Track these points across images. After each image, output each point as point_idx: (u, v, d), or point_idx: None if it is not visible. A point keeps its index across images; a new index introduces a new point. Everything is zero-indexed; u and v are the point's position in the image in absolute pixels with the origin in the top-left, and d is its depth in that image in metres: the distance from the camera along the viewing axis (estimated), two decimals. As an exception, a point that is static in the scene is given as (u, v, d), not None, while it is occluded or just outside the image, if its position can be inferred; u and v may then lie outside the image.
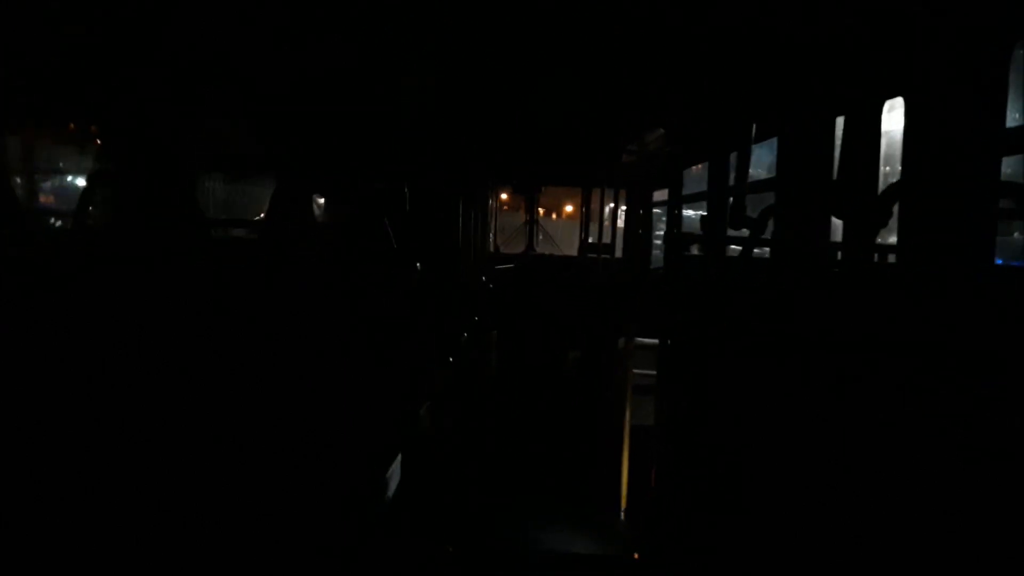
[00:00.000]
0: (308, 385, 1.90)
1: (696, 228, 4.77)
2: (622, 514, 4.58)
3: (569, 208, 18.73)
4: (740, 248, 2.83)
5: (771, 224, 3.35)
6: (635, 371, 4.59)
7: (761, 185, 4.31)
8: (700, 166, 5.61)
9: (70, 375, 1.33)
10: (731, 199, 4.29)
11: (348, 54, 2.71)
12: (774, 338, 2.16)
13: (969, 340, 1.46)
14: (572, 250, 11.46)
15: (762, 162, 4.71)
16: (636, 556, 3.94)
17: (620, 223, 8.87)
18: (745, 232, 3.20)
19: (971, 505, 1.37)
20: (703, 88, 4.29)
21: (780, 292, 2.26)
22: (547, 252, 11.28)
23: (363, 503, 2.27)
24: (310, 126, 2.28)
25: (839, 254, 3.32)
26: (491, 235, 10.54)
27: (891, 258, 3.01)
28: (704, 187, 5.05)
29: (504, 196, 13.45)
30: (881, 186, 2.88)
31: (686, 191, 5.39)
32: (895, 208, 2.10)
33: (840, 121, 3.24)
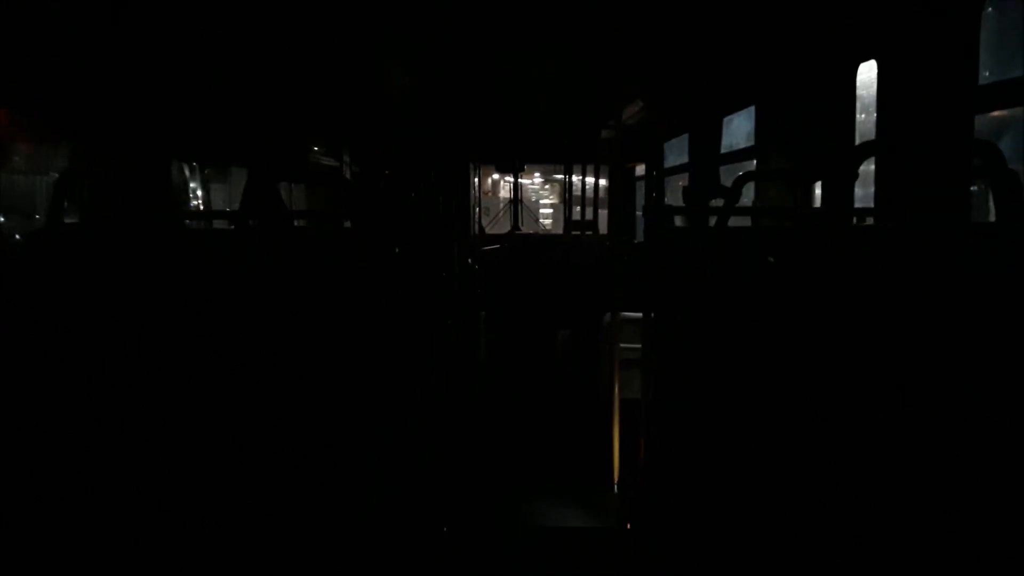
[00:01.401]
0: (299, 381, 1.89)
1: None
2: (615, 487, 4.61)
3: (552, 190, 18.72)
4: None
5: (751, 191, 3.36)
6: (622, 345, 4.60)
7: (740, 154, 4.32)
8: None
9: (51, 377, 1.31)
10: (706, 169, 4.29)
11: (326, 40, 2.69)
12: (756, 309, 2.17)
13: (946, 296, 1.46)
14: (557, 229, 11.47)
15: (741, 131, 4.71)
16: (628, 527, 3.98)
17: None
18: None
19: (962, 492, 1.38)
20: (681, 59, 4.28)
21: (760, 260, 2.27)
22: (532, 231, 11.28)
23: (360, 498, 2.27)
24: (283, 112, 2.26)
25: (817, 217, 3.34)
26: (475, 216, 10.52)
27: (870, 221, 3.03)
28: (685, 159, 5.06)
29: (488, 178, 13.41)
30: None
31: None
32: (867, 166, 2.10)
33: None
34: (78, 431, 1.35)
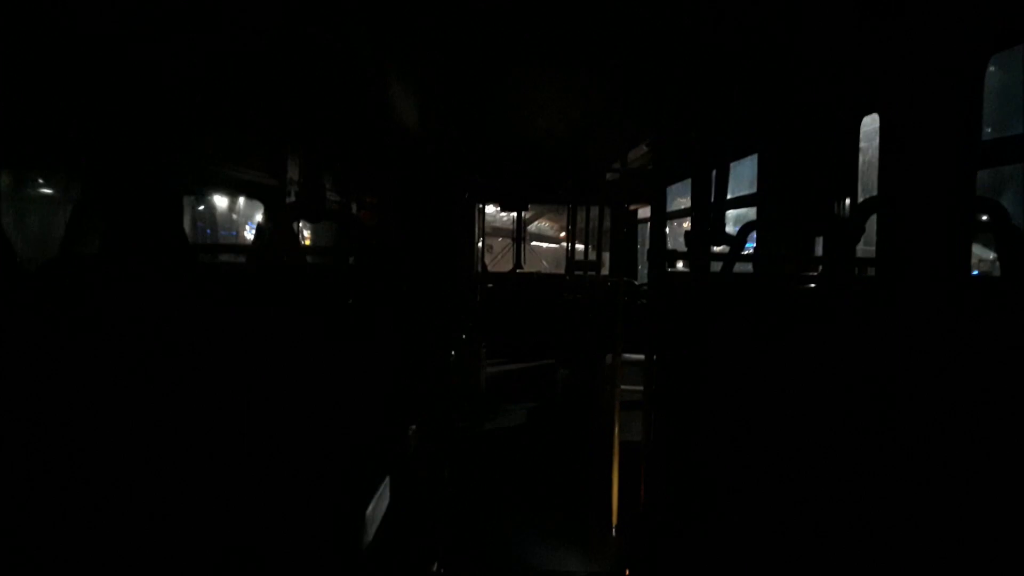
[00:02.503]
0: (303, 418, 1.90)
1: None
2: (613, 530, 4.58)
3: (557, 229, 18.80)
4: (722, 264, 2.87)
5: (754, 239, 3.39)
6: (623, 387, 4.61)
7: (743, 200, 4.36)
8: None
9: (59, 401, 1.33)
10: (711, 215, 4.33)
11: (336, 71, 2.73)
12: (759, 353, 2.19)
13: (947, 351, 1.49)
14: (559, 268, 11.52)
15: (744, 178, 4.76)
16: (628, 572, 3.94)
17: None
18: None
19: (956, 511, 1.39)
20: (688, 105, 4.35)
21: (763, 307, 2.29)
22: (535, 270, 11.33)
23: (350, 527, 2.27)
24: (299, 146, 2.30)
25: (820, 268, 3.37)
26: (478, 253, 10.58)
27: (870, 272, 3.06)
28: (688, 203, 5.10)
29: (492, 220, 13.48)
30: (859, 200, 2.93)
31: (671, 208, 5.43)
32: (871, 221, 2.14)
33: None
34: (82, 454, 1.37)
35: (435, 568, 4.02)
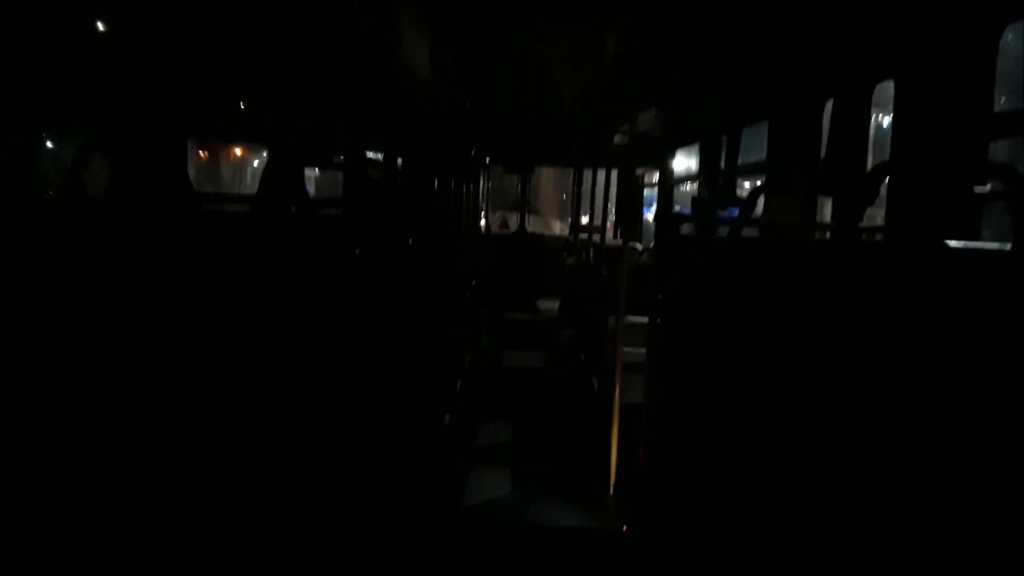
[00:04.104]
0: (304, 374, 1.90)
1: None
2: (611, 489, 4.63)
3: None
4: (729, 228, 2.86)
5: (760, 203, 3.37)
6: (625, 349, 4.62)
7: (752, 167, 4.33)
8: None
9: (60, 360, 1.31)
10: (721, 180, 4.31)
11: (342, 20, 2.69)
12: (763, 319, 2.19)
13: (953, 320, 1.48)
14: (564, 231, 11.49)
15: (751, 147, 4.72)
16: (624, 529, 3.99)
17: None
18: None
19: (959, 498, 1.39)
20: (699, 69, 4.30)
21: (770, 271, 2.28)
22: (539, 232, 11.30)
23: (357, 494, 2.29)
24: (302, 95, 2.26)
25: (827, 233, 3.36)
26: (483, 215, 10.55)
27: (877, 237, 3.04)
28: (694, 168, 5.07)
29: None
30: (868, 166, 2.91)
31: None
32: (882, 187, 2.12)
33: (829, 103, 3.26)
34: (83, 415, 1.36)
35: (432, 519, 4.07)
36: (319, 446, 2.00)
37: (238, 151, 15.54)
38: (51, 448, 1.27)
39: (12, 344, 1.23)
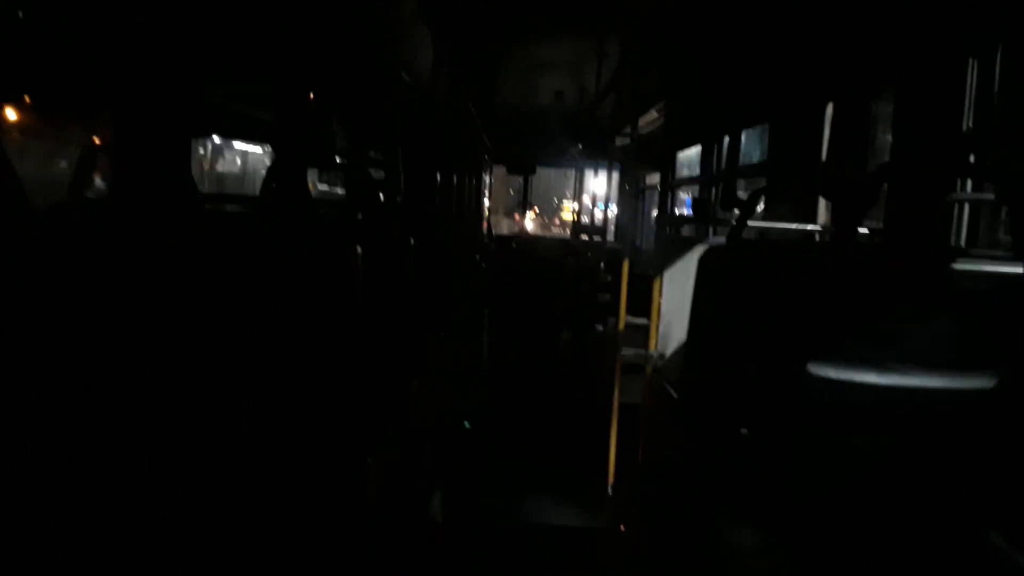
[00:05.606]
0: (302, 378, 1.91)
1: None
2: (609, 488, 4.64)
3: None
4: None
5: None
6: (624, 350, 4.63)
7: (752, 169, 4.34)
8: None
9: (60, 360, 1.31)
10: (722, 181, 4.31)
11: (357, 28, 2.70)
12: (762, 320, 2.19)
13: (946, 321, 1.49)
14: (565, 232, 11.51)
15: (750, 150, 4.74)
16: (622, 528, 4.00)
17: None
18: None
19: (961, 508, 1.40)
20: (701, 72, 4.31)
21: (767, 273, 2.29)
22: (540, 233, 11.31)
23: (354, 491, 2.29)
24: (303, 95, 2.27)
25: (827, 235, 3.37)
26: (485, 215, 10.56)
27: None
28: (695, 172, 5.07)
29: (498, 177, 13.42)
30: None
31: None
32: (882, 190, 2.13)
33: (830, 107, 3.27)
34: (84, 415, 1.36)
35: (432, 518, 4.08)
36: (319, 446, 2.01)
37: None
38: (51, 448, 1.27)
39: (12, 344, 1.24)
